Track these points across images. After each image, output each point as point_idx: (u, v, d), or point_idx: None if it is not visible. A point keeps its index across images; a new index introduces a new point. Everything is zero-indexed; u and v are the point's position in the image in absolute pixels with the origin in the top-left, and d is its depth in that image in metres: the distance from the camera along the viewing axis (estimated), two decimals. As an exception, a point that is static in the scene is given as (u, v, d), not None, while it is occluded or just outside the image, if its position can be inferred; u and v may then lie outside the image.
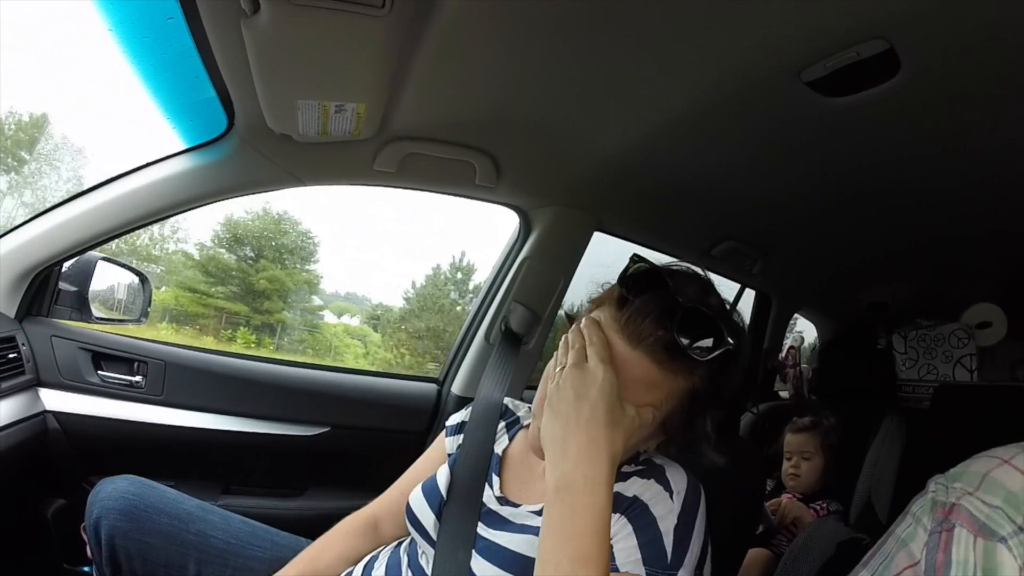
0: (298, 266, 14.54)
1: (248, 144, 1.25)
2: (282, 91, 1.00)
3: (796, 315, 2.78)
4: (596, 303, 0.82)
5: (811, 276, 2.20)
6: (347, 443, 1.59)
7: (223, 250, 13.89)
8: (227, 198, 1.34)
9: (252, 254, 14.09)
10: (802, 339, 2.86)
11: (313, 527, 1.08)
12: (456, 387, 1.69)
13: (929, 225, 1.58)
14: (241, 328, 13.40)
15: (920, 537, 0.54)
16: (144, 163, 1.28)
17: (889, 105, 1.02)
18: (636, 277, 0.77)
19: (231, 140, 1.25)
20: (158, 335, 10.86)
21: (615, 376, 0.69)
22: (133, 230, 1.33)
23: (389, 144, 1.29)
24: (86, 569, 1.06)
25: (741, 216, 1.65)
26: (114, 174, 1.29)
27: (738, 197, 1.51)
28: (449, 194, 1.52)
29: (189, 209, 1.34)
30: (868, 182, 1.36)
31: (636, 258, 0.79)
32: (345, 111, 1.07)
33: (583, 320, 0.76)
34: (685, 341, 0.71)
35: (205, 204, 1.33)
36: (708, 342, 0.72)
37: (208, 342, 11.95)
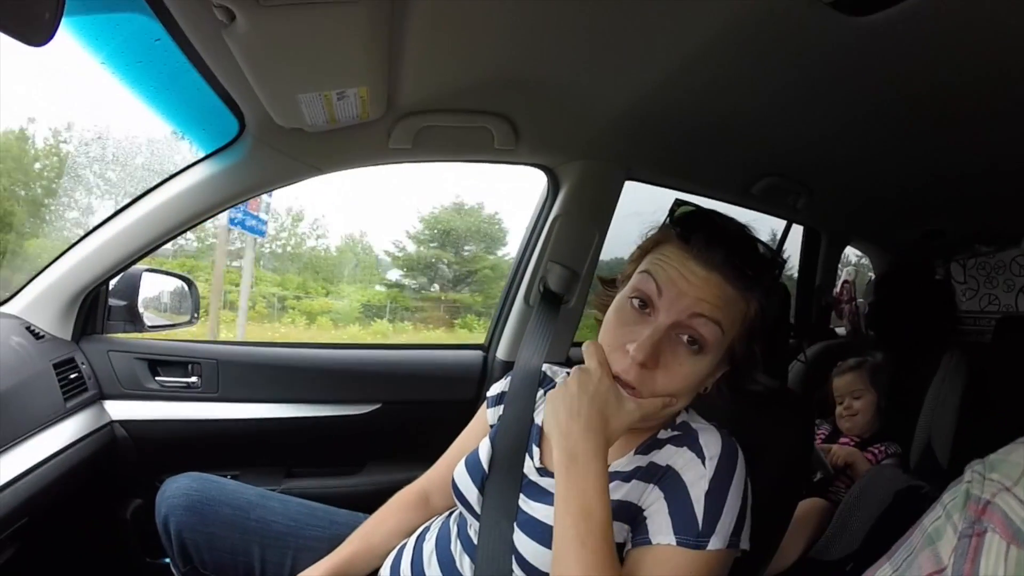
0: (499, 252, 14.66)
1: (262, 142, 1.26)
2: (280, 89, 0.99)
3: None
4: (650, 244, 0.86)
5: (860, 207, 2.07)
6: (399, 417, 1.65)
7: (421, 246, 14.07)
8: (253, 196, 1.38)
9: (466, 245, 14.30)
10: (856, 272, 2.74)
11: (374, 500, 1.13)
12: (501, 352, 1.71)
13: (983, 148, 1.44)
14: (469, 315, 13.63)
15: (948, 537, 0.47)
16: (167, 176, 1.32)
17: (925, 20, 0.91)
18: (688, 217, 0.83)
19: (245, 141, 1.27)
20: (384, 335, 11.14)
21: (610, 377, 0.77)
22: (170, 239, 1.37)
23: (401, 121, 1.28)
24: (166, 560, 1.14)
25: (779, 151, 1.55)
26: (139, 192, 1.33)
27: (774, 132, 1.42)
28: (470, 161, 1.52)
29: (220, 211, 1.37)
30: (911, 106, 1.23)
31: (680, 202, 0.86)
32: (347, 97, 1.06)
33: (586, 343, 0.82)
34: (749, 262, 0.78)
35: (233, 205, 1.37)
36: (763, 262, 0.80)
37: (439, 334, 12.33)
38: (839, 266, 2.58)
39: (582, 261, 1.63)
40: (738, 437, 0.83)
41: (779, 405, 0.98)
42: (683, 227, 0.81)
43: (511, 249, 14.09)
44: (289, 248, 13.18)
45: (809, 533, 1.59)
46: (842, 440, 1.99)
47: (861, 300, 2.60)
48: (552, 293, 1.53)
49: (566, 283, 1.58)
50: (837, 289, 2.60)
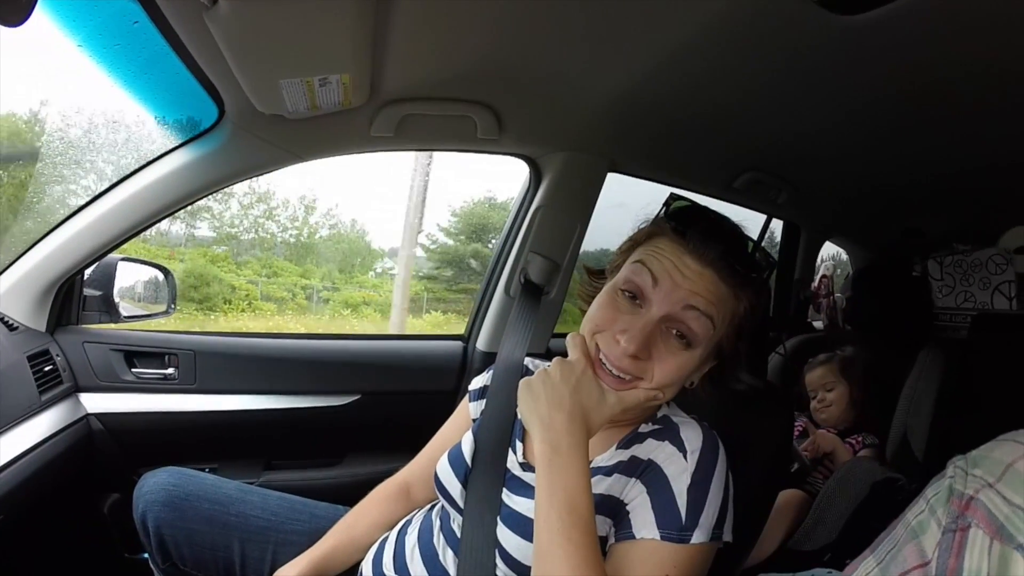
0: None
1: (242, 129, 1.23)
2: (261, 74, 0.97)
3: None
4: (642, 236, 0.86)
5: (841, 203, 2.10)
6: (379, 408, 1.64)
7: (452, 239, 13.70)
8: (232, 183, 1.34)
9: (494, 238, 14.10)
10: (834, 267, 2.77)
11: (354, 493, 1.12)
12: (481, 343, 1.71)
13: (964, 148, 1.46)
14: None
15: (932, 532, 0.47)
16: (145, 163, 1.28)
17: (912, 21, 0.92)
18: (684, 212, 0.83)
19: (225, 127, 1.24)
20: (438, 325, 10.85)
21: (592, 369, 0.78)
22: (147, 228, 1.34)
23: (383, 109, 1.26)
24: (145, 556, 1.12)
25: (763, 146, 1.57)
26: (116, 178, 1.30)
27: (759, 127, 1.43)
28: (453, 150, 1.51)
29: (198, 199, 1.34)
30: (896, 105, 1.25)
31: (675, 196, 0.86)
32: (330, 83, 1.03)
33: (569, 335, 0.82)
34: (743, 260, 0.79)
35: (211, 192, 1.34)
36: (756, 262, 0.81)
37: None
38: (818, 261, 2.61)
39: (563, 252, 1.63)
40: (720, 430, 0.84)
41: (761, 399, 0.98)
42: (679, 221, 0.81)
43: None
44: (303, 238, 12.80)
45: (787, 524, 1.62)
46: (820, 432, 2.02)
47: (839, 295, 2.63)
48: (533, 284, 1.52)
49: (547, 274, 1.57)
50: (815, 283, 2.63)
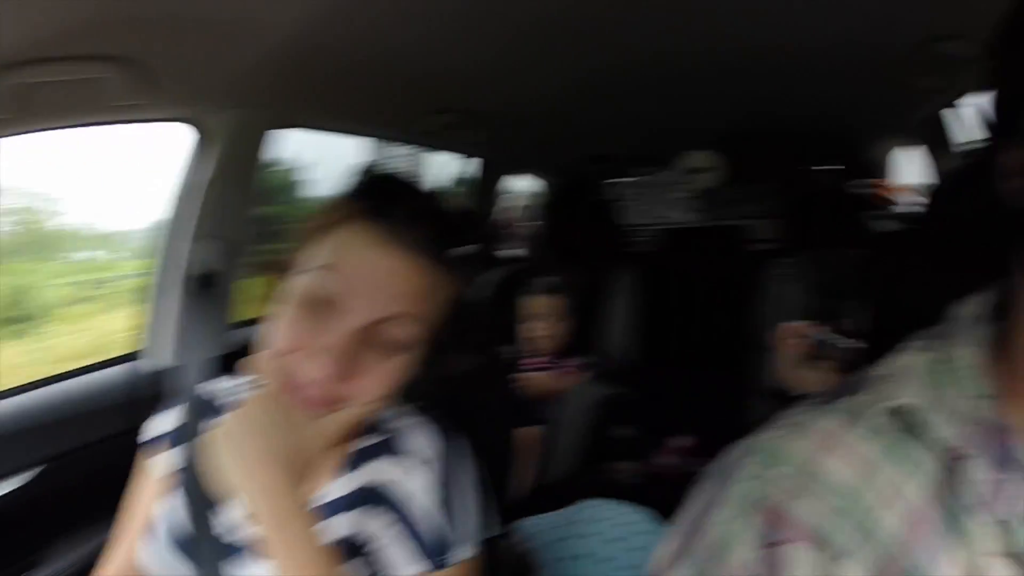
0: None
1: None
2: None
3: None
4: (328, 221, 0.66)
5: (525, 136, 2.17)
6: (44, 485, 1.12)
7: None
8: None
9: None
10: (519, 198, 2.96)
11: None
12: (148, 356, 1.34)
13: (642, 74, 1.60)
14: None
15: (742, 548, 0.40)
16: None
17: None
18: (376, 189, 0.68)
19: None
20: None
21: (288, 398, 0.63)
22: None
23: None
24: None
25: (448, 84, 1.54)
26: None
27: (440, 63, 1.39)
28: (95, 124, 1.15)
29: None
30: (568, 30, 1.29)
31: (365, 169, 0.71)
32: None
33: (258, 361, 0.66)
34: (446, 243, 0.67)
35: None
36: (461, 241, 0.70)
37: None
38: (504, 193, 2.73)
39: (235, 229, 1.38)
40: (446, 412, 0.76)
41: (483, 371, 0.97)
42: (372, 200, 0.66)
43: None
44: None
45: (535, 460, 1.64)
46: (535, 361, 1.93)
47: (527, 223, 2.78)
48: (203, 276, 1.29)
49: (219, 260, 1.33)
50: (503, 215, 2.75)
